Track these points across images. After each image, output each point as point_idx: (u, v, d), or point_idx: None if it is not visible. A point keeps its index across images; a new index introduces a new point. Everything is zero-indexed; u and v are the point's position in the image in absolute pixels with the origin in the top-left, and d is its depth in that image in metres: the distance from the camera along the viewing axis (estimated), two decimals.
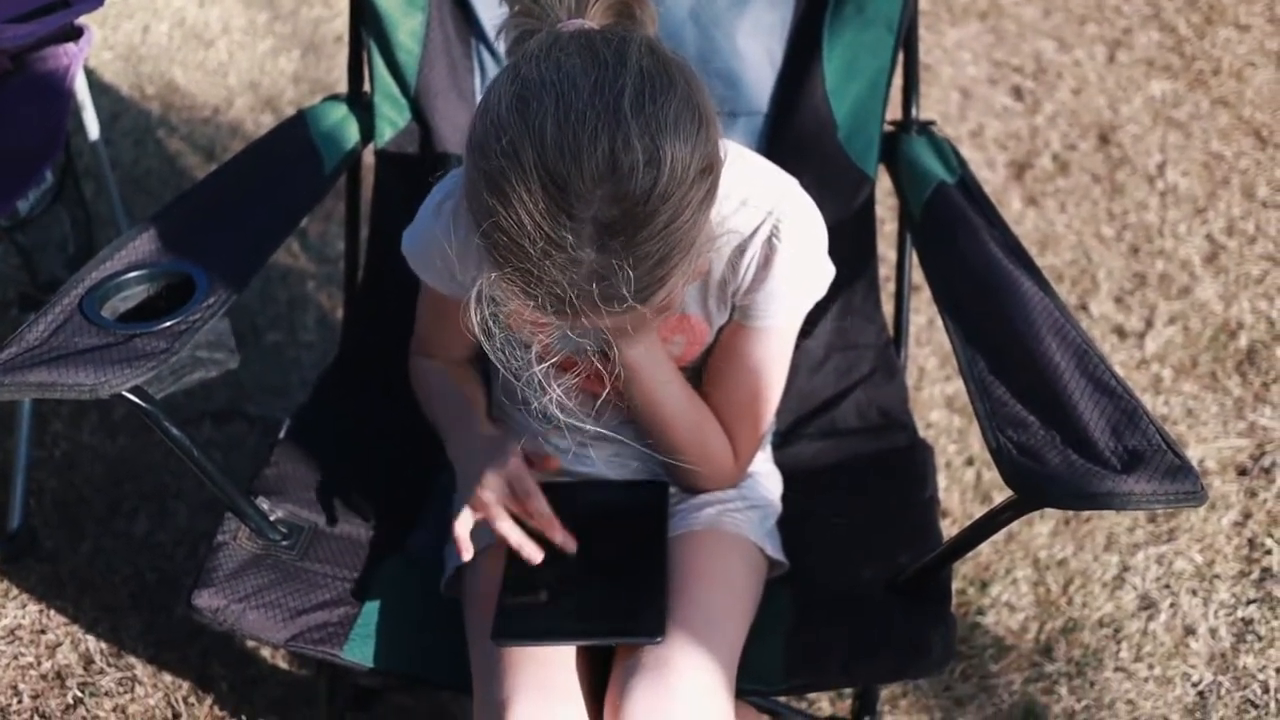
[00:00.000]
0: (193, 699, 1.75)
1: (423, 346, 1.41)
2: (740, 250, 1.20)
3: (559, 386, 1.04)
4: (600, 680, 1.19)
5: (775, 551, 1.36)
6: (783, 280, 1.20)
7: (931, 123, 1.62)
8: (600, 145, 0.90)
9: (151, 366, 1.13)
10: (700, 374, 1.32)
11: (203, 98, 2.91)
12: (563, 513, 1.25)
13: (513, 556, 1.24)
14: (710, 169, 0.98)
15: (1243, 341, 2.29)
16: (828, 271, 1.25)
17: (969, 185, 1.45)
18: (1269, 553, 1.93)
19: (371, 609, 1.32)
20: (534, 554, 1.21)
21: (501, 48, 1.10)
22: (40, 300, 1.98)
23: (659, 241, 0.94)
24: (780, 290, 1.21)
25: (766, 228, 1.18)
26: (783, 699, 1.60)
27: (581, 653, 1.19)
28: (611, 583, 1.23)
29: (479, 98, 1.61)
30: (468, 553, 1.21)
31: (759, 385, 1.28)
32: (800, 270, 1.22)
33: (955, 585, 1.87)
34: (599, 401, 1.26)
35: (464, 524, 1.21)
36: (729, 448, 1.32)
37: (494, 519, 1.20)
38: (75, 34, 1.76)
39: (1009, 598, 1.88)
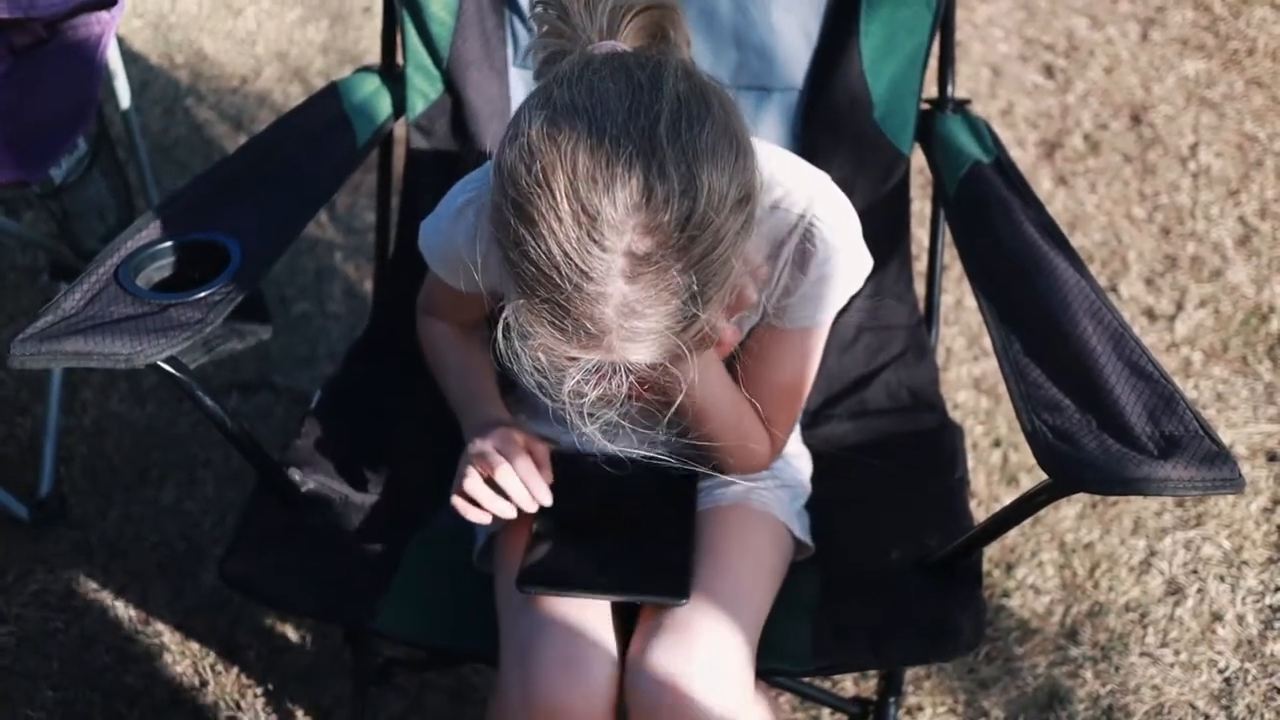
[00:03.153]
0: (220, 667, 1.77)
1: (431, 308, 1.40)
2: (774, 255, 1.17)
3: (595, 421, 1.01)
4: (627, 641, 1.20)
5: (802, 533, 1.35)
6: (818, 282, 1.18)
7: (967, 101, 1.61)
8: (635, 174, 0.87)
9: (186, 337, 1.13)
10: (729, 366, 1.32)
11: (231, 67, 2.90)
12: (593, 482, 1.26)
13: (542, 514, 1.25)
14: (748, 199, 0.94)
15: (1274, 325, 2.27)
16: (864, 266, 1.21)
17: (1005, 165, 1.44)
18: None
19: (401, 580, 1.33)
20: (491, 513, 1.20)
21: (531, 67, 1.07)
22: (75, 268, 1.99)
23: (694, 274, 0.91)
24: (815, 292, 1.19)
25: (800, 230, 1.15)
26: (808, 679, 1.60)
27: (614, 609, 1.21)
28: (638, 545, 1.24)
29: (511, 68, 1.61)
30: (473, 514, 1.20)
31: (792, 380, 1.27)
32: (835, 271, 1.18)
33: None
34: (642, 404, 1.25)
35: (460, 487, 1.20)
36: (766, 437, 1.30)
37: (465, 475, 1.19)
38: (109, 2, 1.75)
39: (1035, 581, 1.88)
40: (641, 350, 0.94)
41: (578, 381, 0.97)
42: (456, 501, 1.20)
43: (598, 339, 0.92)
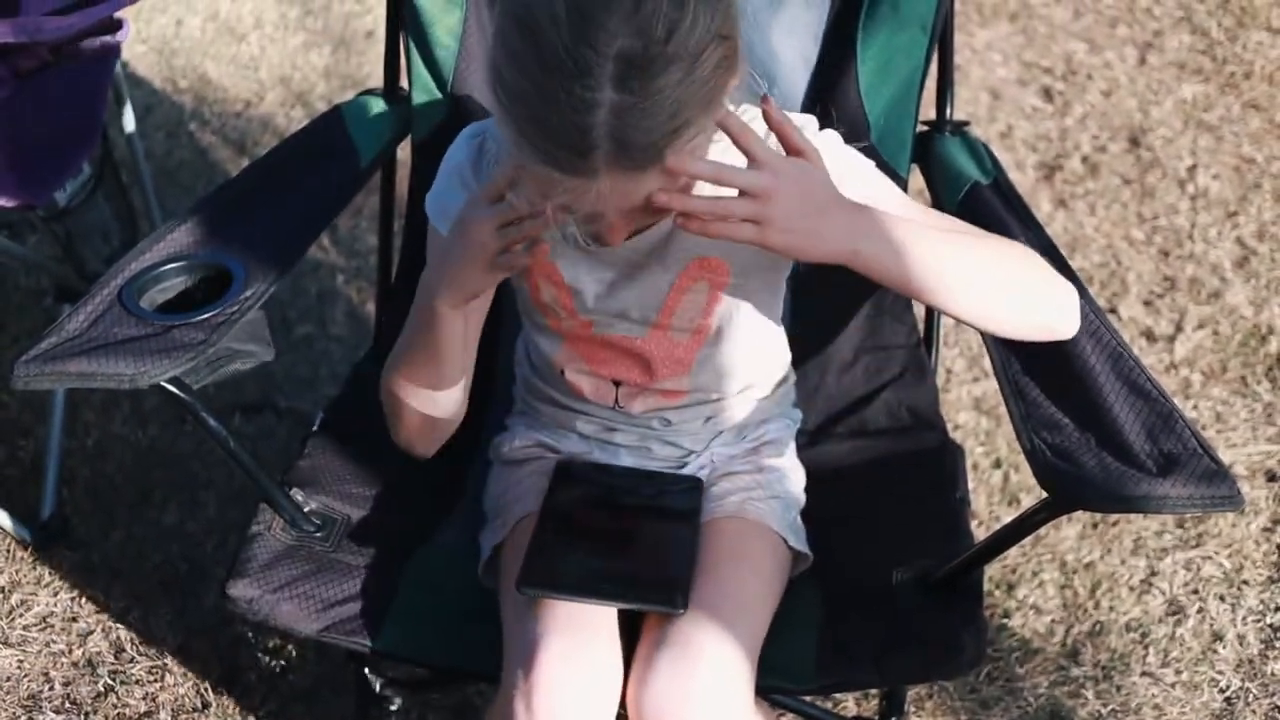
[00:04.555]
0: (222, 688, 1.77)
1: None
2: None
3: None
4: (632, 649, 1.20)
5: (798, 543, 1.35)
6: (827, 152, 1.14)
7: (966, 123, 1.62)
8: None
9: (190, 358, 1.14)
10: (730, 327, 1.30)
11: (235, 91, 2.92)
12: (598, 488, 1.26)
13: (545, 519, 1.27)
14: (729, 37, 1.01)
15: (1273, 346, 2.28)
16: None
17: (1003, 187, 1.45)
18: None
19: (403, 600, 1.33)
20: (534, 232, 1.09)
21: None
22: (78, 290, 2.00)
23: (676, 90, 0.97)
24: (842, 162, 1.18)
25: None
26: (809, 699, 1.60)
27: (620, 618, 1.21)
28: (640, 553, 1.25)
29: None
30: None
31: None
32: (836, 145, 1.21)
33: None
34: (648, 389, 1.25)
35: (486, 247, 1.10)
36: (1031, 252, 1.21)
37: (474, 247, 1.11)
38: (114, 26, 1.77)
39: (1036, 600, 1.88)
40: (622, 173, 0.99)
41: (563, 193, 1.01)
42: (501, 261, 1.10)
43: (583, 149, 0.97)
